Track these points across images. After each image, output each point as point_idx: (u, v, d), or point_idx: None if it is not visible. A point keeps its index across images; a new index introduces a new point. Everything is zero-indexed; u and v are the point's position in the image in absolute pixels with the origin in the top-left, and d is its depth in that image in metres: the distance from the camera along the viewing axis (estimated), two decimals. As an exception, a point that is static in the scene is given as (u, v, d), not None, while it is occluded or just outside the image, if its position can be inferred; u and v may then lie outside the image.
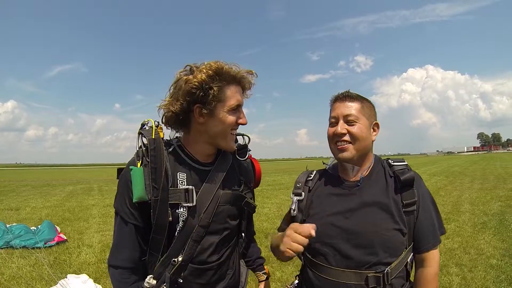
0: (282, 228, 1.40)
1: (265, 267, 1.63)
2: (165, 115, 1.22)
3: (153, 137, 1.16)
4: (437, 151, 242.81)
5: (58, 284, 3.78)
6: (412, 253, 1.25)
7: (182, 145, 1.27)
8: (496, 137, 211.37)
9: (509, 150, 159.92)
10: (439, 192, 11.72)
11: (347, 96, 1.29)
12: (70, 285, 3.67)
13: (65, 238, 6.09)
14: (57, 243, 5.76)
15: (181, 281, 1.20)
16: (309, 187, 1.37)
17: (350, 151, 1.25)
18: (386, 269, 1.15)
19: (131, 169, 1.13)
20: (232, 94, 1.18)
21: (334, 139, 1.28)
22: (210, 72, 1.13)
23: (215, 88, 1.13)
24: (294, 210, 1.33)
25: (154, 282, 1.16)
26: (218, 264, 1.26)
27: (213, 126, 1.19)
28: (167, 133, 1.28)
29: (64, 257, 5.09)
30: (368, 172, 1.31)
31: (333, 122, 1.29)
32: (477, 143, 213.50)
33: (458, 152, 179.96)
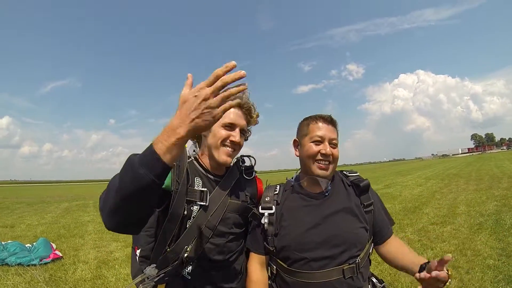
0: (259, 251, 1.47)
1: None
2: None
3: None
4: (432, 154, 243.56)
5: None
6: (372, 245, 1.47)
7: (198, 157, 1.48)
8: (489, 137, 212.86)
9: (503, 149, 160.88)
10: (435, 195, 11.74)
11: (332, 121, 1.46)
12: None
13: (61, 255, 6.02)
14: (53, 260, 5.69)
15: (189, 277, 1.32)
16: (277, 200, 1.47)
17: (330, 171, 1.43)
18: (357, 259, 1.35)
19: None
20: (226, 113, 1.31)
21: (317, 157, 1.42)
22: None
23: None
24: (266, 224, 1.42)
25: (156, 271, 1.25)
26: (223, 265, 1.39)
27: (209, 139, 1.41)
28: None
29: (60, 274, 5.03)
30: (330, 183, 1.49)
31: (318, 141, 1.42)
32: (471, 145, 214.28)
33: (453, 155, 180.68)
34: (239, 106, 1.41)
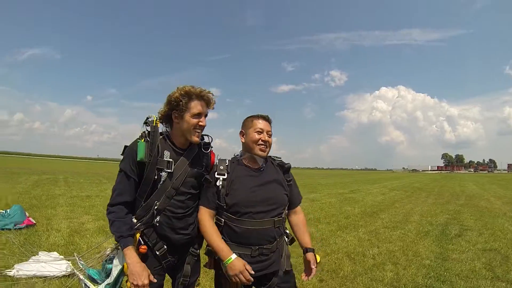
0: (210, 206, 1.95)
1: None
2: (159, 115, 1.89)
3: (154, 125, 1.82)
4: (403, 168, 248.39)
5: (30, 259, 4.02)
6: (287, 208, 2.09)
7: (169, 135, 1.93)
8: (459, 158, 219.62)
9: (470, 171, 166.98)
10: (395, 204, 12.37)
11: (268, 119, 2.06)
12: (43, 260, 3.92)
13: (34, 222, 6.23)
14: (27, 226, 5.90)
15: (157, 224, 1.81)
16: (227, 170, 1.97)
17: (267, 152, 2.02)
18: (282, 215, 1.99)
19: (139, 141, 1.77)
20: (194, 106, 1.84)
21: (258, 142, 1.97)
22: (182, 92, 1.81)
23: (183, 102, 1.80)
24: (220, 186, 1.91)
25: (135, 221, 1.78)
26: (183, 216, 1.88)
27: (183, 125, 1.86)
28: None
29: (34, 239, 5.26)
30: (265, 163, 2.06)
31: (260, 132, 1.98)
32: (441, 163, 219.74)
33: (422, 170, 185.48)
34: (200, 98, 1.85)
